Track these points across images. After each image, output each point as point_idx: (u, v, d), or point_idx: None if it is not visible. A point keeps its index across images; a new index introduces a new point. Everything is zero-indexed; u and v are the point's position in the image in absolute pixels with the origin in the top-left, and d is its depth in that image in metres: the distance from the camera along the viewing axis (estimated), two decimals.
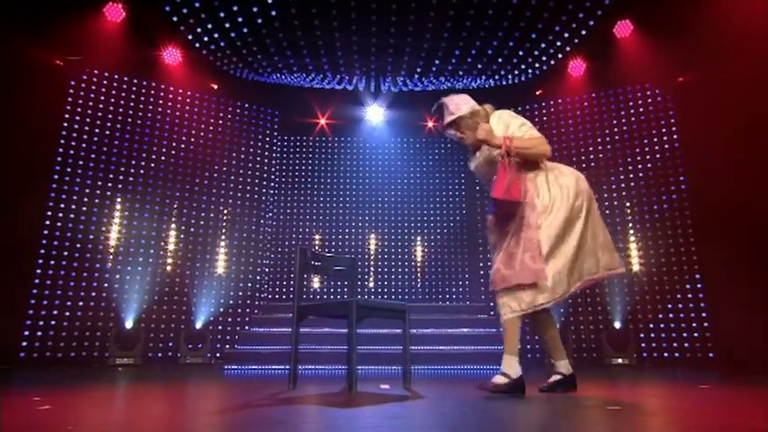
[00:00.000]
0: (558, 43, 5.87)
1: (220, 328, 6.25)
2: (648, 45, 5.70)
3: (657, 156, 5.93)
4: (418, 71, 6.35)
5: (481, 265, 6.96)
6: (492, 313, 6.48)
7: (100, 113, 5.90)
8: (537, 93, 6.78)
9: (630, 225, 6.01)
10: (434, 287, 7.26)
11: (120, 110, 6.06)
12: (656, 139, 5.96)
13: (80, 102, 5.78)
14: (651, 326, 5.64)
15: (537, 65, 6.20)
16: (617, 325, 5.73)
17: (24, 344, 5.09)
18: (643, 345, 5.61)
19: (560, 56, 6.09)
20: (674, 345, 5.46)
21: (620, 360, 5.43)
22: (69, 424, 1.68)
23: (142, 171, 6.10)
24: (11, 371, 4.36)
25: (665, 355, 5.47)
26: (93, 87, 5.88)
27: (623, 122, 6.21)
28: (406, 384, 2.96)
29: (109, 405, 2.35)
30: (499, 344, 5.47)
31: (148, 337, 5.74)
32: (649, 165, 5.98)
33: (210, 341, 5.91)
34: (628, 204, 6.06)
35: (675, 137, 5.84)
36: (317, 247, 7.48)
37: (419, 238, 7.56)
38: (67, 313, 5.37)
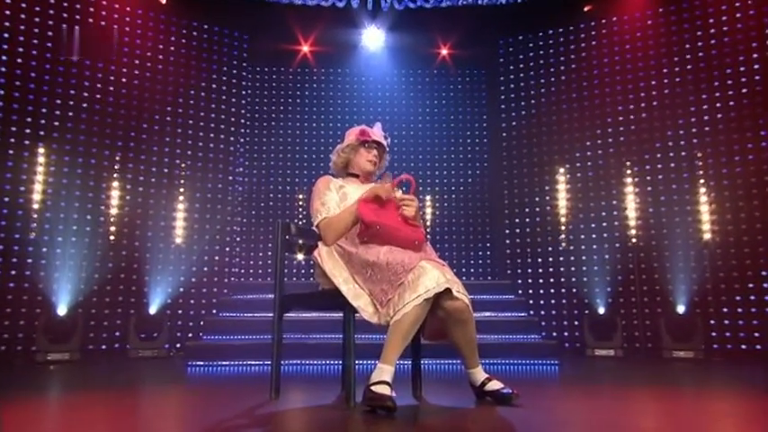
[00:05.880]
0: None
1: (180, 312, 5.77)
2: None
3: (743, 90, 5.22)
4: None
5: (507, 231, 6.41)
6: (520, 292, 6.05)
7: (7, 35, 5.09)
8: (585, 9, 6.10)
9: (702, 181, 5.42)
10: (448, 260, 6.78)
11: (36, 30, 5.25)
12: (742, 68, 5.23)
13: None
14: (724, 310, 5.15)
15: None
16: (680, 309, 5.29)
17: None
18: (713, 334, 5.15)
19: None
20: (755, 334, 4.98)
21: (682, 353, 5.05)
22: None
23: (71, 113, 5.39)
24: None
25: (742, 346, 5.03)
26: None
27: (698, 47, 5.48)
28: (416, 392, 2.67)
29: None
30: (531, 333, 5.16)
31: (88, 326, 5.25)
32: (731, 103, 5.29)
33: (169, 329, 5.51)
34: (699, 155, 5.44)
35: None
36: (300, 208, 7.00)
37: (429, 197, 7.04)
38: None
